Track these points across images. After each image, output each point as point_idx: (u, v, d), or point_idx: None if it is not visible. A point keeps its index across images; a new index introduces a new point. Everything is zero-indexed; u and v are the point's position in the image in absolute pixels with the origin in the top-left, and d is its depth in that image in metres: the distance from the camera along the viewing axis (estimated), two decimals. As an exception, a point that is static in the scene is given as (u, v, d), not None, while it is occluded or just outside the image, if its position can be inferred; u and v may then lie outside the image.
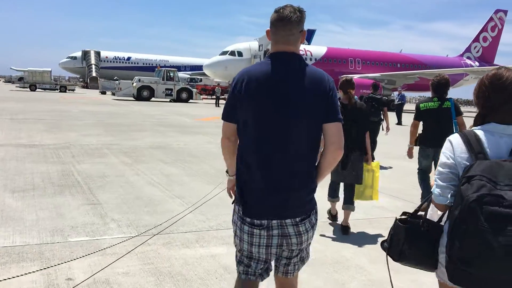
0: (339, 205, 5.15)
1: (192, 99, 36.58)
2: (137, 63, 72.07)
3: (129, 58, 73.04)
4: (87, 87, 64.99)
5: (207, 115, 22.23)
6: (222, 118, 2.29)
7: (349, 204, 4.92)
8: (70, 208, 5.14)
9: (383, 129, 9.73)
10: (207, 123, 17.56)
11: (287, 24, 2.12)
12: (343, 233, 4.82)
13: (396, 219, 2.06)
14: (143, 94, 34.92)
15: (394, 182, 7.68)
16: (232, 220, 2.30)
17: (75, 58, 70.98)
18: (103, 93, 45.61)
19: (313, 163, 2.21)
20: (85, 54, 69.37)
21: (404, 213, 2.10)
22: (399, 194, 6.79)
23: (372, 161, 5.08)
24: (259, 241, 2.17)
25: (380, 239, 4.53)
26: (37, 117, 16.10)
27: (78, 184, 6.31)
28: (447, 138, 1.95)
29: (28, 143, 9.75)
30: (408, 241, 1.97)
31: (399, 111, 22.91)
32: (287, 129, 2.10)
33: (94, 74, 65.38)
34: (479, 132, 1.86)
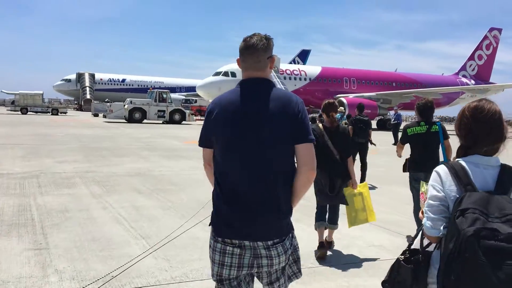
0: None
1: (185, 120, 35.94)
2: (132, 85, 71.73)
3: (123, 80, 72.74)
4: (81, 110, 64.41)
5: (197, 137, 21.48)
6: (199, 145, 2.36)
7: (333, 224, 4.92)
8: (11, 254, 4.36)
9: (373, 144, 9.70)
10: (196, 146, 16.68)
11: (254, 52, 2.20)
12: (320, 253, 4.64)
13: (399, 259, 2.04)
14: (135, 116, 34.22)
15: (392, 212, 6.93)
16: (209, 244, 2.26)
17: (69, 80, 70.58)
18: (96, 115, 44.89)
19: (284, 186, 2.18)
20: (80, 76, 69.01)
21: (404, 252, 2.08)
22: (397, 228, 6.02)
23: (362, 181, 4.84)
24: (231, 261, 2.15)
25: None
26: (17, 142, 15.35)
27: (32, 222, 5.52)
28: (434, 169, 1.97)
29: (-6, 172, 8.99)
30: (416, 281, 1.95)
31: (395, 130, 22.28)
32: (257, 154, 2.13)
33: (88, 96, 64.82)
34: (464, 163, 1.91)
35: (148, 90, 38.46)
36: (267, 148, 2.13)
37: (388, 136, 26.88)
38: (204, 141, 2.33)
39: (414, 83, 45.39)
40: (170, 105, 35.57)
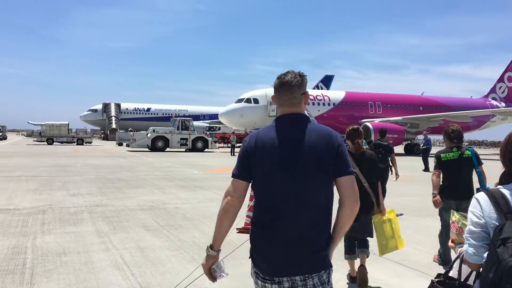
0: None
1: (207, 148, 35.60)
2: (157, 114, 72.50)
3: (149, 109, 73.66)
4: (107, 139, 65.15)
5: (219, 165, 20.97)
6: (234, 177, 2.29)
7: (363, 248, 4.73)
8: (-13, 311, 3.77)
9: (391, 173, 9.17)
10: (216, 175, 16.24)
11: (289, 88, 2.26)
12: (360, 281, 4.53)
13: (433, 281, 2.12)
14: (158, 145, 34.11)
15: (422, 253, 6.08)
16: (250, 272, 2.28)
17: (96, 110, 71.85)
18: (120, 144, 45.02)
19: (325, 221, 2.17)
20: (106, 106, 70.20)
21: (438, 275, 2.18)
22: (425, 269, 5.18)
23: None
24: None
25: None
26: (34, 173, 15.08)
27: (23, 267, 4.94)
28: (474, 196, 1.97)
29: (0, 207, 8.54)
30: None
31: (425, 156, 21.21)
32: (296, 189, 2.13)
33: (113, 125, 65.67)
34: (505, 191, 1.89)
35: (171, 119, 38.37)
36: (308, 181, 2.13)
37: (416, 161, 25.81)
38: (239, 172, 2.29)
39: (442, 106, 44.15)
40: (192, 133, 35.35)
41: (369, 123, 35.68)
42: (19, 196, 10.08)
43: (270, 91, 37.25)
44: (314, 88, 55.33)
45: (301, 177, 2.13)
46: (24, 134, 73.28)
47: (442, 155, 5.41)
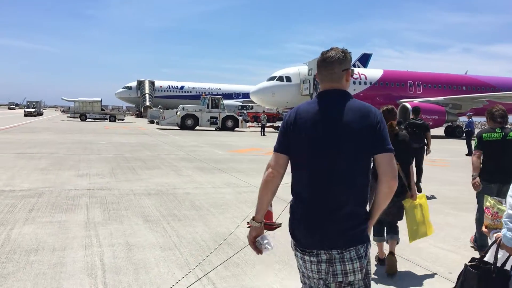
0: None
1: (238, 127, 34.67)
2: (190, 92, 72.14)
3: (182, 87, 73.45)
4: (141, 116, 65.38)
5: (246, 145, 19.98)
6: (275, 150, 2.31)
7: (393, 234, 4.62)
8: None
9: (427, 153, 9.12)
10: (240, 156, 15.24)
11: (329, 64, 2.27)
12: (388, 268, 4.41)
13: (466, 265, 2.23)
14: (187, 123, 33.44)
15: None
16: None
17: (130, 88, 72.14)
18: (152, 122, 44.71)
19: (362, 197, 2.20)
20: (140, 84, 70.31)
21: (472, 259, 2.27)
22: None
23: (419, 192, 4.91)
24: (310, 267, 2.19)
25: None
26: (52, 151, 14.52)
27: (-22, 269, 4.08)
28: None
29: (-4, 188, 7.83)
30: (481, 287, 2.08)
31: (468, 139, 19.51)
32: (335, 163, 2.15)
33: (147, 103, 65.70)
34: None
35: (201, 96, 37.54)
36: (347, 156, 2.15)
37: (458, 145, 24.03)
38: (281, 146, 2.30)
39: (486, 86, 41.39)
40: (222, 112, 34.45)
41: (407, 103, 33.74)
42: (23, 175, 9.39)
43: (304, 69, 35.96)
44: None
45: (339, 153, 2.14)
46: (62, 110, 74.45)
47: (484, 135, 5.18)
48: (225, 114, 34.53)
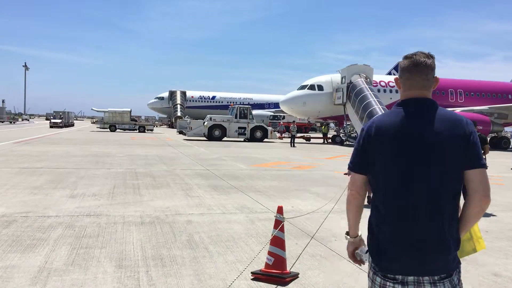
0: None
1: (267, 137, 33.20)
2: (222, 102, 71.51)
3: (213, 97, 72.95)
4: (173, 127, 65.04)
5: (273, 158, 18.46)
6: (350, 169, 2.18)
7: None
8: None
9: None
10: (263, 171, 13.70)
11: (423, 69, 2.10)
12: None
13: None
14: (215, 134, 32.27)
15: None
16: (367, 275, 2.15)
17: (162, 98, 72.15)
18: (181, 133, 43.84)
19: (453, 215, 2.02)
20: (171, 94, 70.22)
21: None
22: None
23: None
24: None
25: None
26: (60, 165, 13.42)
27: None
28: None
29: (-37, 214, 6.60)
30: None
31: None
32: (423, 179, 1.98)
33: (179, 113, 65.37)
34: None
35: (230, 106, 36.32)
36: (437, 174, 1.98)
37: (506, 157, 21.76)
38: (358, 165, 2.15)
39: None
40: (251, 122, 33.07)
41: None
42: (8, 196, 8.17)
43: (336, 77, 34.02)
44: (387, 75, 51.03)
45: (430, 170, 1.97)
46: (92, 121, 74.84)
47: None
48: (254, 124, 33.14)
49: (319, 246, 5.56)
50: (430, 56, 2.12)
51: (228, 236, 5.87)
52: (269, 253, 4.38)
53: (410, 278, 1.95)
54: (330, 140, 35.88)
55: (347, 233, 2.26)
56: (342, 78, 32.97)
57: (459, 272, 2.05)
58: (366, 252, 2.19)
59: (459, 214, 2.07)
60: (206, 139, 32.15)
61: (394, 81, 2.25)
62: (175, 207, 7.72)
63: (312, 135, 44.12)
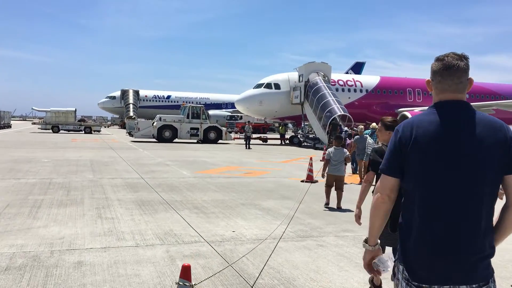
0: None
1: (221, 139, 31.19)
2: (177, 102, 68.67)
3: (169, 97, 70.26)
4: (124, 128, 61.89)
5: (224, 162, 16.53)
6: (383, 172, 2.09)
7: None
8: None
9: None
10: (208, 179, 11.73)
11: (456, 72, 2.02)
12: None
13: None
14: (165, 135, 29.89)
15: None
16: (395, 277, 2.06)
17: (114, 97, 68.71)
18: (130, 134, 41.21)
19: (489, 221, 1.95)
20: (124, 93, 66.98)
21: None
22: None
23: None
24: None
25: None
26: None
27: None
28: None
29: None
30: None
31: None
32: (459, 184, 1.91)
33: (131, 113, 62.28)
34: None
35: (181, 106, 34.08)
36: (476, 179, 1.90)
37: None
38: (391, 168, 2.05)
39: (492, 94, 38.41)
40: (204, 122, 30.96)
41: (407, 112, 30.57)
42: None
43: (293, 76, 32.10)
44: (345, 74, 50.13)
45: (469, 175, 1.90)
46: (33, 122, 69.54)
47: None
48: (208, 124, 31.06)
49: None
50: (463, 58, 2.04)
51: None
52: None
53: (446, 286, 1.89)
54: (287, 141, 34.35)
55: (366, 241, 2.18)
56: (299, 77, 31.47)
57: (494, 280, 1.96)
58: (383, 263, 2.11)
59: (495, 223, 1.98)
60: (156, 140, 29.81)
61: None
62: (72, 236, 5.67)
63: (269, 136, 42.50)
